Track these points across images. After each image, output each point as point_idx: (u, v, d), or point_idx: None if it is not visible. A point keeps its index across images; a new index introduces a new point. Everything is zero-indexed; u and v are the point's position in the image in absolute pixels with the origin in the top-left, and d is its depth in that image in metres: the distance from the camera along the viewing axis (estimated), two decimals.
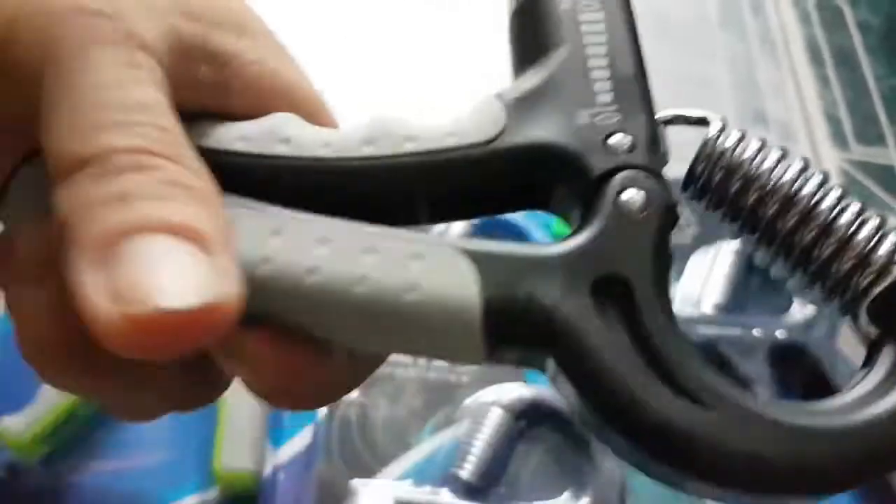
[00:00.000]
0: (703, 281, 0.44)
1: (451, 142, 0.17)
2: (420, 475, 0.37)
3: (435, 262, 0.16)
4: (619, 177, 0.16)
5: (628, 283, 0.16)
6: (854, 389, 0.18)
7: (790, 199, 0.16)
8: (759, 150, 0.17)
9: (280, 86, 0.19)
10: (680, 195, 0.19)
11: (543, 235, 0.45)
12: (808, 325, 0.42)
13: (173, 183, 0.15)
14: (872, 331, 0.18)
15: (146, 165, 0.15)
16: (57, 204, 0.15)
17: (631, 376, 0.15)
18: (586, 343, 0.15)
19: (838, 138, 0.55)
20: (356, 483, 0.35)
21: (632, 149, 0.16)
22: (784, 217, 0.16)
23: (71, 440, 0.37)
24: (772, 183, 0.17)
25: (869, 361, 0.18)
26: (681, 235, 0.47)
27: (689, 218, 0.48)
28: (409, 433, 0.38)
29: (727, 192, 0.17)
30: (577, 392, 0.15)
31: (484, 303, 0.15)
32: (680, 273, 0.46)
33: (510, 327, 0.16)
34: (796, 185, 0.17)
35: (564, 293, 0.15)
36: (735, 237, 0.19)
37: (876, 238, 0.17)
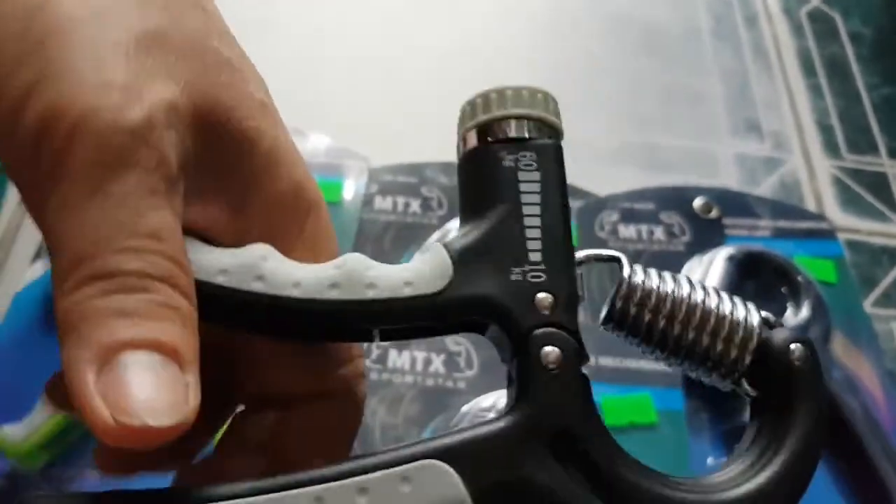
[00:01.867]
0: None
1: (407, 292, 0.20)
2: None
3: (421, 479, 0.18)
4: (541, 332, 0.20)
5: (573, 431, 0.19)
6: (733, 465, 0.22)
7: (682, 313, 0.21)
8: (660, 282, 0.22)
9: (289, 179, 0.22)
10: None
11: None
12: (802, 330, 0.43)
13: (166, 305, 0.18)
14: (751, 391, 0.23)
15: (147, 288, 0.18)
16: (66, 304, 0.18)
17: None
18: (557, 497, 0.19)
19: (830, 147, 0.56)
20: None
21: (553, 308, 0.20)
22: (677, 327, 0.21)
23: (71, 449, 0.37)
24: (668, 306, 0.21)
25: (751, 428, 0.23)
26: (674, 243, 0.48)
27: (682, 226, 0.49)
28: (407, 440, 0.38)
29: (641, 321, 0.22)
30: None
31: (472, 498, 0.18)
32: None
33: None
34: (686, 303, 0.22)
35: (532, 461, 0.19)
36: (644, 353, 0.23)
37: (739, 325, 0.22)
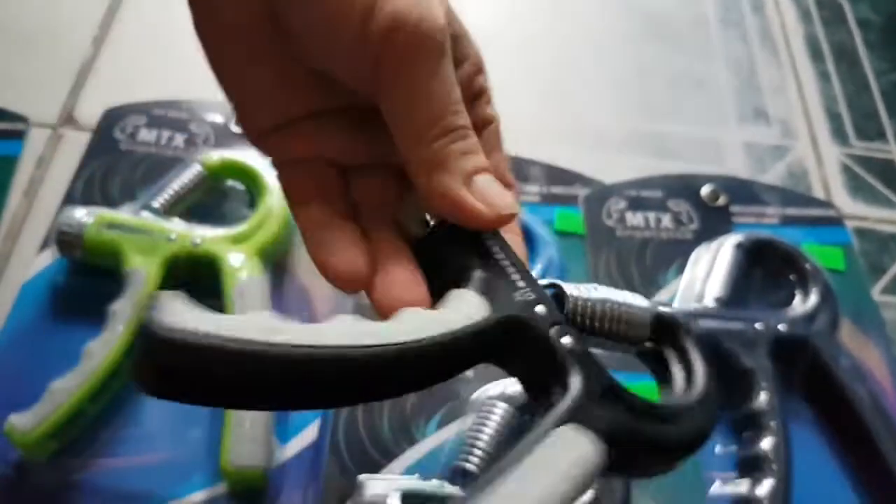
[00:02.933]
0: (704, 275, 0.44)
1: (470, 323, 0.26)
2: (426, 469, 0.37)
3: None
4: (554, 329, 0.26)
5: (614, 383, 0.25)
6: (675, 385, 0.28)
7: (606, 312, 0.28)
8: (588, 293, 0.28)
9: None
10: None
11: (543, 230, 0.45)
12: (810, 318, 0.43)
13: (476, 144, 0.27)
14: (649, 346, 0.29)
15: (469, 135, 0.26)
16: (431, 151, 0.26)
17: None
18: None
19: (839, 134, 0.56)
20: (363, 478, 0.35)
21: (550, 311, 0.26)
22: (605, 321, 0.28)
23: (78, 438, 0.37)
24: (598, 309, 0.28)
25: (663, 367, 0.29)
26: (682, 231, 0.48)
27: (690, 214, 0.48)
28: (414, 428, 0.38)
29: (585, 321, 0.28)
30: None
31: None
32: (681, 268, 0.46)
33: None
34: (607, 304, 0.28)
35: (606, 412, 0.25)
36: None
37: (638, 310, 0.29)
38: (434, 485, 0.35)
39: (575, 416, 0.24)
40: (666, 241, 0.47)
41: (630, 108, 0.56)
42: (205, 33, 0.26)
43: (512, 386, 0.37)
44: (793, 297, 0.44)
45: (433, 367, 0.24)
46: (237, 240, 0.42)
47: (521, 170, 0.49)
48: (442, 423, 0.38)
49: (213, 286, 0.40)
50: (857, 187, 0.53)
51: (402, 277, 0.26)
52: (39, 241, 0.44)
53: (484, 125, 0.29)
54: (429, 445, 0.38)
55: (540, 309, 0.26)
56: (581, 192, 0.48)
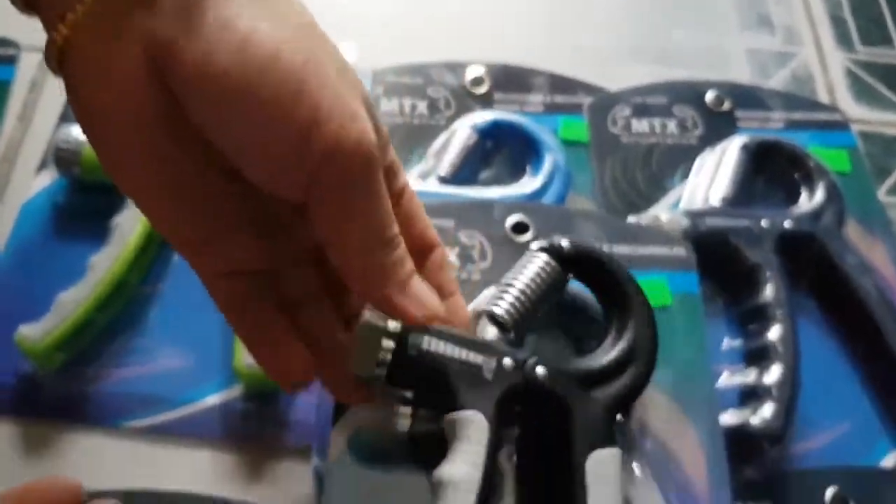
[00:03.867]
0: (710, 177, 0.43)
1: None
2: None
3: None
4: (530, 368, 0.32)
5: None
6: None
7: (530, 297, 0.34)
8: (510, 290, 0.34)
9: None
10: None
11: (550, 138, 0.45)
12: (816, 215, 0.42)
13: (405, 250, 0.29)
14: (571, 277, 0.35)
15: (400, 243, 0.28)
16: (379, 260, 0.28)
17: None
18: None
19: (844, 39, 0.55)
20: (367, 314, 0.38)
21: (512, 357, 0.32)
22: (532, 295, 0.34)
23: (89, 349, 0.38)
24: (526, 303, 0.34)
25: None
26: (687, 136, 0.47)
27: (695, 120, 0.48)
28: None
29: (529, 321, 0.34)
30: None
31: None
32: (686, 173, 0.46)
33: None
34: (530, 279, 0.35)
35: None
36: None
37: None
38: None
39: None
40: (671, 147, 0.46)
41: (634, 15, 0.55)
42: (91, 133, 0.25)
43: (562, 239, 0.36)
44: (798, 196, 0.44)
45: None
46: None
47: (524, 79, 0.48)
48: None
49: None
50: (862, 92, 0.52)
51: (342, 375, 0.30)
52: (36, 163, 0.44)
53: (399, 198, 0.31)
54: None
55: (507, 362, 0.31)
56: (585, 100, 0.47)
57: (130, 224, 0.38)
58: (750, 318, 0.39)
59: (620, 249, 0.39)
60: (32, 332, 0.36)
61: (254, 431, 0.37)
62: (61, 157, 0.41)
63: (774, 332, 0.38)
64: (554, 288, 0.35)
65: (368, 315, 0.31)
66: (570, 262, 0.35)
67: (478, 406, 0.31)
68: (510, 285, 0.34)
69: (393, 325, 0.31)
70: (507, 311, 0.34)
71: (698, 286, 0.39)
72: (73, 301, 0.36)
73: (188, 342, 0.38)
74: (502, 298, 0.34)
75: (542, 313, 0.35)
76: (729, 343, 0.40)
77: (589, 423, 0.31)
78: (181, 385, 0.37)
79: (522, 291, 0.34)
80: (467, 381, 0.31)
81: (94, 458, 0.36)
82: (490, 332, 0.34)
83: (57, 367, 0.37)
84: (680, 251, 0.40)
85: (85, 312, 0.36)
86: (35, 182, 0.43)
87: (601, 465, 0.31)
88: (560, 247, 0.35)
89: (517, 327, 0.34)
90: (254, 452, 0.37)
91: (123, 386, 0.37)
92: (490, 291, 0.37)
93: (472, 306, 0.36)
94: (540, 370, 0.32)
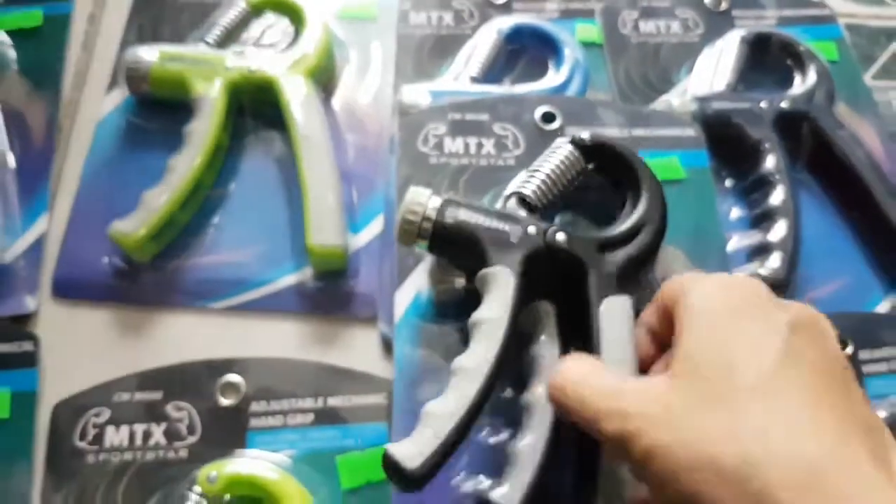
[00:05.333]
0: (714, 66, 0.48)
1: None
2: None
3: None
4: (551, 236, 0.37)
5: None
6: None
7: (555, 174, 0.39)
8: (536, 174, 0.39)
9: None
10: None
11: (569, 38, 0.49)
12: (809, 95, 0.47)
13: None
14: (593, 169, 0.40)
15: None
16: None
17: None
18: None
19: None
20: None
21: (535, 224, 0.37)
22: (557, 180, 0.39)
23: (174, 243, 0.42)
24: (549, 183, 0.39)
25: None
26: (689, 35, 0.52)
27: (695, 20, 0.52)
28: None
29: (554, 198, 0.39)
30: None
31: None
32: (691, 68, 0.50)
33: None
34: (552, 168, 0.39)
35: None
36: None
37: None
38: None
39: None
40: (675, 45, 0.51)
41: None
42: None
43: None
44: (792, 80, 0.49)
45: None
46: (289, 65, 0.45)
47: None
48: None
49: (274, 106, 0.45)
50: None
51: None
52: (104, 86, 0.48)
53: None
54: None
55: (531, 229, 0.36)
56: (597, 5, 0.52)
57: (202, 131, 0.42)
58: (754, 188, 0.44)
59: (637, 132, 0.44)
60: (125, 226, 0.40)
61: (325, 305, 0.42)
62: (131, 77, 0.45)
63: (777, 196, 0.43)
64: (576, 173, 0.39)
65: (412, 190, 0.37)
66: (590, 151, 0.39)
67: (505, 262, 0.35)
68: (537, 171, 0.39)
69: (433, 202, 0.36)
70: (534, 192, 0.38)
71: (708, 161, 0.44)
72: (157, 197, 0.41)
73: (260, 234, 0.43)
74: (529, 182, 0.38)
75: (565, 196, 0.39)
76: (736, 213, 0.45)
77: (602, 278, 0.35)
78: (258, 269, 0.42)
79: (548, 175, 0.38)
80: (496, 244, 0.36)
81: (186, 335, 0.41)
82: (519, 211, 0.38)
83: (147, 258, 0.42)
84: (690, 132, 0.44)
85: (169, 207, 0.40)
86: (105, 102, 0.47)
87: (612, 310, 0.35)
88: (581, 138, 0.39)
89: (543, 207, 0.38)
90: (326, 323, 0.42)
91: (207, 273, 0.42)
92: (521, 175, 0.42)
93: (508, 190, 0.41)
94: (560, 236, 0.36)
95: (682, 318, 0.29)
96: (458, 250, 0.37)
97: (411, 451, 0.31)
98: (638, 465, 0.27)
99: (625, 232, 0.37)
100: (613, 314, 0.34)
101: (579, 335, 0.35)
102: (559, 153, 0.39)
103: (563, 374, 0.31)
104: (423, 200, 0.36)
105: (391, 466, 0.30)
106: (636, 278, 0.37)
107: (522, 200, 0.38)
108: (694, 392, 0.27)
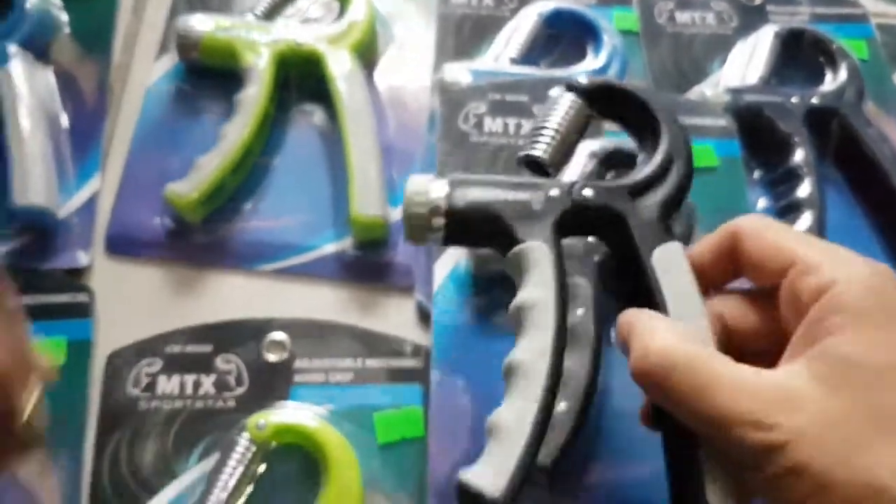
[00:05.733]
0: (747, 59, 0.49)
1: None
2: None
3: None
4: (577, 192, 0.34)
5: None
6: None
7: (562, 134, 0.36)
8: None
9: None
10: None
11: (608, 24, 0.50)
12: (839, 92, 0.48)
13: None
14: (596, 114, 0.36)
15: None
16: None
17: None
18: None
19: None
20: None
21: (559, 187, 0.34)
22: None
23: (224, 207, 0.44)
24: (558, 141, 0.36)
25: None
26: (723, 27, 0.53)
27: (730, 14, 0.53)
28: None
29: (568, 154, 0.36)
30: None
31: None
32: (724, 60, 0.52)
33: None
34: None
35: None
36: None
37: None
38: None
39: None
40: (709, 37, 0.52)
41: None
42: None
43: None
44: (823, 76, 0.50)
45: None
46: (334, 39, 0.47)
47: None
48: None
49: (319, 78, 0.46)
50: None
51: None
52: (154, 53, 0.50)
53: None
54: None
55: (553, 192, 0.33)
56: None
57: (252, 99, 0.44)
58: (782, 180, 0.46)
59: None
60: (180, 189, 0.42)
61: (364, 273, 0.44)
62: (183, 45, 0.46)
63: (804, 189, 0.44)
64: (582, 123, 0.36)
65: (412, 180, 0.33)
66: (591, 95, 0.36)
67: (535, 236, 0.32)
68: (542, 128, 0.36)
69: (438, 188, 0.33)
70: (545, 152, 0.35)
71: (739, 151, 0.45)
72: (210, 162, 0.42)
73: (304, 203, 0.45)
74: (538, 142, 0.35)
75: (574, 149, 0.36)
76: (763, 203, 0.47)
77: (644, 226, 0.32)
78: (302, 236, 0.44)
79: (555, 131, 0.35)
80: (520, 216, 0.32)
81: (234, 294, 0.43)
82: (533, 175, 0.35)
83: (198, 220, 0.43)
84: (722, 122, 0.46)
85: (221, 172, 0.42)
86: (155, 68, 0.49)
87: (665, 259, 0.31)
88: (579, 83, 0.36)
89: (556, 166, 0.35)
90: (364, 290, 0.44)
91: (255, 236, 0.44)
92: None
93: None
94: (587, 191, 0.33)
95: (827, 310, 0.26)
96: (478, 234, 0.34)
97: (489, 476, 0.28)
98: (775, 477, 0.25)
99: (655, 171, 0.34)
100: (669, 264, 0.31)
101: (633, 293, 0.32)
102: (561, 104, 0.36)
103: (663, 350, 0.27)
104: (427, 188, 0.33)
105: (471, 497, 0.28)
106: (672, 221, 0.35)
107: (533, 164, 0.35)
108: (857, 408, 0.24)
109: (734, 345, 0.30)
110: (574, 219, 0.33)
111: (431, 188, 0.33)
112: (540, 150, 0.35)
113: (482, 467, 0.29)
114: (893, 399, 0.24)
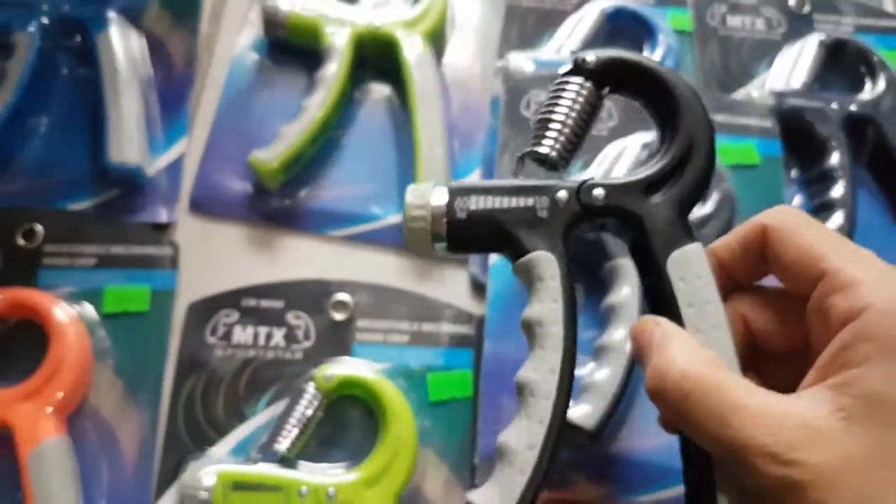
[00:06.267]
0: (791, 65, 0.52)
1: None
2: None
3: None
4: (584, 192, 0.32)
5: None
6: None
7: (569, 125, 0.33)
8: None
9: None
10: None
11: (664, 24, 0.53)
12: (877, 102, 0.51)
13: None
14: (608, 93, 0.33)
15: None
16: None
17: None
18: None
19: None
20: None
21: (567, 191, 0.32)
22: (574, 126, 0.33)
23: (301, 174, 0.48)
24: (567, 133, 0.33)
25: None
26: (772, 33, 0.56)
27: (779, 20, 0.56)
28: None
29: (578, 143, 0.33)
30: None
31: None
32: (770, 64, 0.55)
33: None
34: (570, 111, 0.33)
35: None
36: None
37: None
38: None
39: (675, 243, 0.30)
40: (758, 41, 0.55)
41: None
42: None
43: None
44: (863, 86, 0.53)
45: None
46: (409, 24, 0.50)
47: None
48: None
49: (392, 60, 0.50)
50: None
51: None
52: (238, 26, 0.53)
53: None
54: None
55: (560, 195, 0.31)
56: None
57: (332, 76, 0.47)
58: (817, 181, 0.49)
59: (719, 118, 0.48)
60: (264, 156, 0.46)
61: None
62: (270, 22, 0.50)
63: (837, 190, 0.47)
64: (591, 108, 0.32)
65: (411, 190, 0.32)
66: (601, 74, 0.32)
67: (543, 246, 0.31)
68: (548, 119, 0.32)
69: (437, 197, 0.31)
70: (551, 147, 0.32)
71: (780, 150, 0.48)
72: (293, 132, 0.46)
73: (372, 175, 0.49)
74: (544, 135, 0.32)
75: (585, 136, 0.33)
76: (798, 201, 0.50)
77: (660, 227, 0.30)
78: (370, 206, 0.48)
79: (562, 122, 0.32)
80: (525, 225, 0.31)
81: (305, 256, 0.47)
82: (539, 173, 0.32)
83: (277, 186, 0.47)
84: (766, 122, 0.49)
85: (302, 142, 0.46)
86: (240, 41, 0.52)
87: (682, 264, 0.30)
88: (584, 61, 0.32)
89: (565, 160, 0.32)
90: (422, 260, 0.47)
91: (325, 204, 0.48)
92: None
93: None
94: (597, 191, 0.31)
95: (860, 336, 0.25)
96: (483, 244, 0.32)
97: (495, 499, 0.29)
98: None
99: (672, 163, 0.31)
100: (687, 270, 0.30)
101: (654, 293, 0.31)
102: (568, 90, 0.32)
103: (682, 374, 0.26)
104: (426, 199, 0.31)
105: None
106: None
107: (540, 160, 0.32)
108: (880, 448, 0.23)
109: (756, 346, 0.30)
110: (585, 223, 0.32)
111: (431, 198, 0.31)
112: (546, 147, 0.32)
113: (490, 489, 0.29)
114: None
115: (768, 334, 0.30)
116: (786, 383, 0.27)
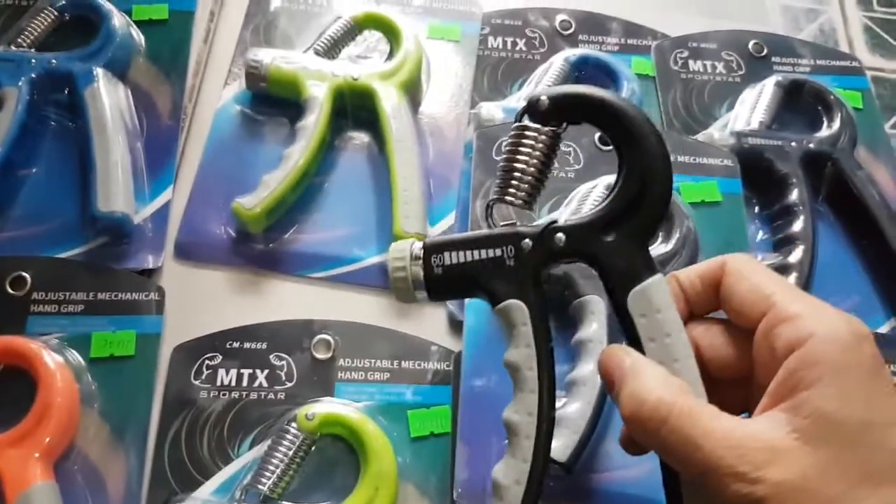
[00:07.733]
0: (751, 106, 0.55)
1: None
2: None
3: None
4: (547, 237, 0.33)
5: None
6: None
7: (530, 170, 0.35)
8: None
9: None
10: None
11: (627, 70, 0.56)
12: (834, 139, 0.54)
13: None
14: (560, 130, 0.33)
15: None
16: None
17: None
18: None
19: (863, 0, 0.65)
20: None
21: (531, 238, 0.34)
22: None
23: (282, 219, 0.49)
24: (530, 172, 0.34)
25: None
26: (732, 76, 0.58)
27: (739, 63, 0.59)
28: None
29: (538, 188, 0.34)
30: None
31: None
32: (731, 105, 0.57)
33: None
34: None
35: None
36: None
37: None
38: None
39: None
40: (719, 84, 0.58)
41: None
42: None
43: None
44: (820, 124, 0.55)
45: None
46: (385, 76, 0.53)
47: (603, 25, 0.60)
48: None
49: (371, 109, 0.52)
50: (877, 44, 0.63)
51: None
52: (222, 79, 0.55)
53: None
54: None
55: (525, 243, 0.33)
56: (652, 43, 0.59)
57: (312, 127, 0.49)
58: (778, 216, 0.51)
59: (682, 159, 0.51)
60: (246, 202, 0.47)
61: None
62: (252, 75, 0.52)
63: (798, 225, 0.49)
64: (552, 148, 0.33)
65: (393, 248, 0.34)
66: (557, 113, 0.33)
67: (513, 293, 0.33)
68: (510, 166, 0.34)
69: (414, 253, 0.34)
70: (515, 194, 0.33)
71: (741, 189, 0.50)
72: (274, 180, 0.48)
73: (352, 219, 0.50)
74: (508, 182, 0.34)
75: (547, 175, 0.34)
76: (761, 236, 0.52)
77: (618, 265, 0.32)
78: (349, 248, 0.49)
79: (523, 169, 0.33)
80: (495, 276, 0.33)
81: (288, 298, 0.48)
82: (510, 212, 0.36)
83: (260, 231, 0.49)
84: (727, 161, 0.51)
85: (284, 189, 0.48)
86: (223, 93, 0.54)
87: (641, 301, 0.31)
88: (539, 102, 0.33)
89: (529, 204, 0.34)
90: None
91: (307, 248, 0.49)
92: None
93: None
94: (559, 236, 0.32)
95: (806, 362, 0.27)
96: (461, 293, 0.35)
97: None
98: None
99: (630, 193, 0.32)
100: (648, 306, 0.31)
101: (622, 329, 0.33)
102: (527, 136, 0.33)
103: (658, 402, 0.28)
104: (405, 256, 0.34)
105: None
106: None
107: (509, 204, 0.34)
108: (835, 464, 0.26)
109: (706, 372, 0.32)
110: (551, 264, 0.34)
111: (409, 257, 0.34)
112: (511, 196, 0.34)
113: None
114: (869, 456, 0.26)
115: (716, 361, 0.32)
116: (729, 408, 0.29)
